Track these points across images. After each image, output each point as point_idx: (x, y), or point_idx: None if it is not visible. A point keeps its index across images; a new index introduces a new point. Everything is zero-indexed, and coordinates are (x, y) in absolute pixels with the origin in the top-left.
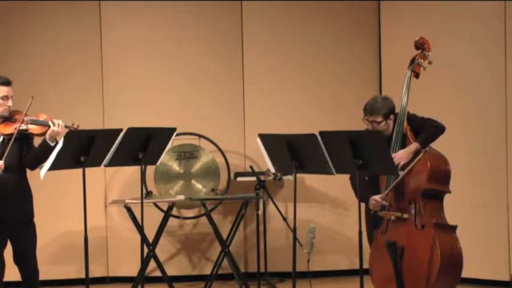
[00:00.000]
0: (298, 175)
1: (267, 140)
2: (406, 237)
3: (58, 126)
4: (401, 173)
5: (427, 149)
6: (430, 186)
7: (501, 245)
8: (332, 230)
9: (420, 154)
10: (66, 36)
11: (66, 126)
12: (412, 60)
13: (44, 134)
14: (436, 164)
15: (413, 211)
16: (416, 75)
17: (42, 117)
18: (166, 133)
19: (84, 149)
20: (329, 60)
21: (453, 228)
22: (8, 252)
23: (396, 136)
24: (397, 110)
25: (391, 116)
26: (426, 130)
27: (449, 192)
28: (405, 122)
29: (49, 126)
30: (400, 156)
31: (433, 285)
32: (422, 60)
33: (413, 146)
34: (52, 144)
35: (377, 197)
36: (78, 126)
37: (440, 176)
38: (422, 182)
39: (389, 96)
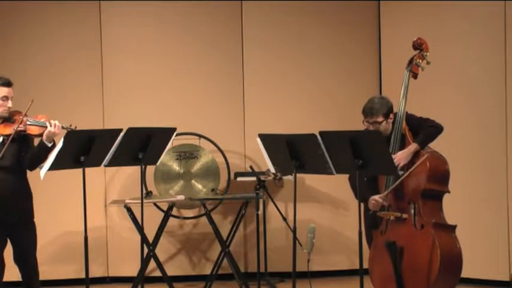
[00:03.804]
0: (298, 175)
1: (267, 140)
2: (406, 237)
3: (54, 127)
4: (402, 173)
5: (428, 152)
6: (429, 186)
7: (501, 245)
8: (332, 230)
9: (423, 157)
10: (66, 36)
11: (63, 127)
12: (410, 61)
13: (42, 134)
14: (435, 164)
15: (412, 211)
16: (415, 76)
17: (41, 118)
18: (166, 133)
19: (84, 149)
20: (329, 61)
21: (452, 227)
22: (8, 252)
23: (395, 136)
24: (395, 110)
25: (391, 115)
26: (424, 130)
27: (449, 192)
28: (404, 122)
29: (47, 127)
30: (400, 157)
31: (433, 285)
32: (420, 61)
33: (413, 146)
34: (49, 145)
35: (377, 197)
36: (76, 127)
37: (440, 176)
38: (421, 182)
39: (385, 96)
